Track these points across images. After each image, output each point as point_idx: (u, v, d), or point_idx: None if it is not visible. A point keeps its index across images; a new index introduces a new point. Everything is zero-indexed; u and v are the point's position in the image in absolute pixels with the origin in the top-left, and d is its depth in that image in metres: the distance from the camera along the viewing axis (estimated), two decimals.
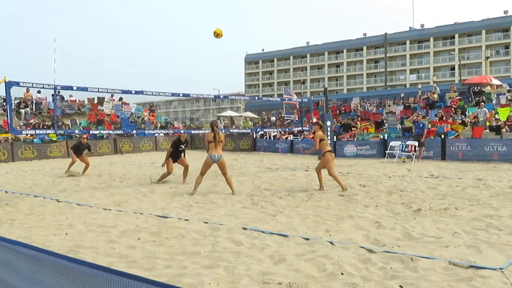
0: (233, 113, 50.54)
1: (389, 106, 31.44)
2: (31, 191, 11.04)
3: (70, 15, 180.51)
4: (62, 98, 29.59)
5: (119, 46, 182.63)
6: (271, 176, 13.24)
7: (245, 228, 6.58)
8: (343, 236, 6.08)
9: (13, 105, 25.24)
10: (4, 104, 22.65)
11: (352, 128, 24.11)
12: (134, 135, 26.49)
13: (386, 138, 20.34)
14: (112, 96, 31.32)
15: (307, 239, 5.89)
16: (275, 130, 25.79)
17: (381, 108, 30.45)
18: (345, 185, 10.12)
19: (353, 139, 22.47)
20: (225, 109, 71.45)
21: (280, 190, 10.30)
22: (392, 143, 18.50)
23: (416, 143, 17.32)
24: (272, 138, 26.26)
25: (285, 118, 25.65)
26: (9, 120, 10.37)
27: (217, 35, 11.87)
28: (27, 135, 21.90)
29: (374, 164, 16.85)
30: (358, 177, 12.67)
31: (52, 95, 16.53)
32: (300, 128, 18.66)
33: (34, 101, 27.78)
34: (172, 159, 12.41)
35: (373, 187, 10.53)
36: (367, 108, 30.93)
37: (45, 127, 24.11)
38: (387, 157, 18.32)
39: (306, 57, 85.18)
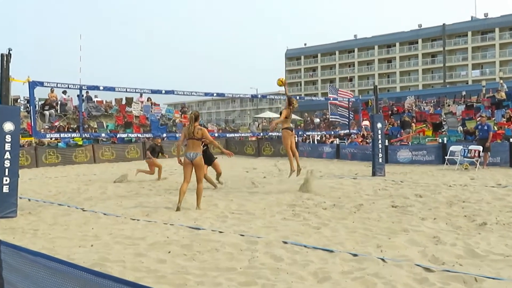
0: (272, 114, 50.56)
1: (449, 105, 30.80)
2: (55, 199, 11.35)
3: (96, 11, 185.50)
4: (90, 98, 30.35)
5: (148, 44, 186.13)
6: (315, 184, 13.15)
7: (285, 242, 6.55)
8: (396, 252, 5.99)
9: (37, 106, 26.12)
10: (28, 105, 23.44)
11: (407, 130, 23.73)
12: (165, 138, 26.87)
13: (445, 142, 19.96)
14: (141, 96, 31.89)
15: (355, 255, 5.83)
16: (319, 133, 25.66)
17: (439, 108, 29.86)
18: (295, 166, 11.84)
19: (408, 143, 22.10)
20: (263, 110, 71.63)
21: (325, 200, 10.23)
22: (452, 148, 18.13)
23: (481, 148, 16.89)
24: (315, 142, 26.13)
25: (330, 119, 25.47)
26: (32, 123, 10.71)
27: (281, 83, 13.77)
28: (51, 138, 22.55)
29: (432, 171, 16.55)
30: (414, 186, 12.47)
31: (78, 95, 16.96)
32: (347, 131, 18.47)
33: (59, 102, 28.59)
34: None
35: (431, 197, 10.35)
36: (423, 108, 30.40)
37: (70, 130, 24.77)
38: (446, 164, 17.94)
39: (354, 51, 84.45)
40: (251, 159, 25.62)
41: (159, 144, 15.95)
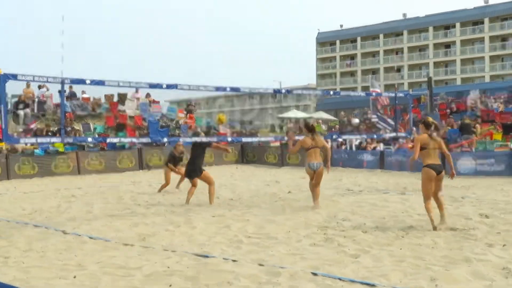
0: (300, 114, 50.61)
1: None
2: (30, 219, 11.45)
3: None
4: (74, 95, 30.60)
5: (146, 28, 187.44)
6: (353, 201, 13.12)
7: (315, 274, 6.56)
8: (455, 287, 5.97)
9: (9, 104, 26.37)
10: None
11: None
12: (166, 144, 26.97)
13: None
14: (136, 91, 32.05)
15: None
16: (358, 136, 25.55)
17: (511, 106, 29.51)
18: (445, 214, 9.58)
19: (471, 149, 21.91)
20: (288, 108, 71.60)
21: (365, 221, 10.21)
22: None
23: None
24: (354, 148, 26.04)
25: (372, 121, 25.35)
26: (3, 125, 10.80)
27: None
28: (26, 144, 22.77)
29: (502, 185, 16.43)
30: (478, 203, 12.36)
31: (59, 91, 17.07)
32: (394, 134, 18.37)
33: (36, 100, 28.87)
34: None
35: (500, 218, 10.27)
36: (491, 106, 30.07)
37: (49, 134, 25.00)
38: None
39: (403, 34, 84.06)
40: (273, 169, 25.60)
41: (181, 153, 16.31)
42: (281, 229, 9.69)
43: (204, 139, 13.86)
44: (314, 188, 12.29)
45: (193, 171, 13.32)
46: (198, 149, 13.33)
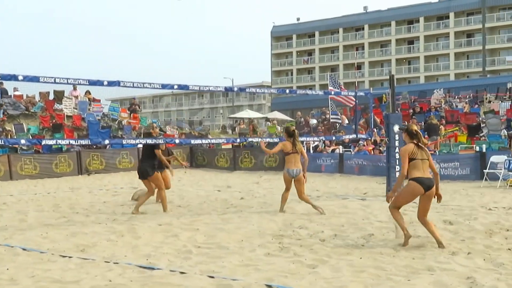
0: (253, 114, 50.64)
1: (489, 102, 31.11)
2: None
3: None
4: (5, 92, 30.06)
5: (85, 19, 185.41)
6: (310, 207, 13.19)
7: (269, 286, 6.60)
8: None
9: None
10: None
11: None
12: (107, 146, 26.75)
13: (484, 150, 20.09)
14: (74, 89, 31.69)
15: None
16: (316, 138, 25.75)
17: (476, 106, 30.16)
18: (441, 240, 8.71)
19: (434, 151, 22.25)
20: (241, 108, 71.70)
21: (323, 229, 10.26)
22: (493, 159, 18.26)
23: None
24: (311, 151, 26.20)
25: (331, 120, 25.58)
26: None
27: None
28: None
29: (466, 189, 16.72)
30: (442, 209, 12.48)
31: None
32: (354, 136, 18.56)
33: None
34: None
35: (464, 224, 10.41)
36: (456, 106, 30.67)
37: None
38: (485, 180, 18.11)
39: (363, 29, 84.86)
40: (224, 173, 25.60)
41: (163, 149, 14.08)
42: (233, 238, 9.69)
43: (158, 140, 13.56)
44: (300, 198, 12.78)
45: (144, 171, 13.03)
46: (149, 148, 13.21)
